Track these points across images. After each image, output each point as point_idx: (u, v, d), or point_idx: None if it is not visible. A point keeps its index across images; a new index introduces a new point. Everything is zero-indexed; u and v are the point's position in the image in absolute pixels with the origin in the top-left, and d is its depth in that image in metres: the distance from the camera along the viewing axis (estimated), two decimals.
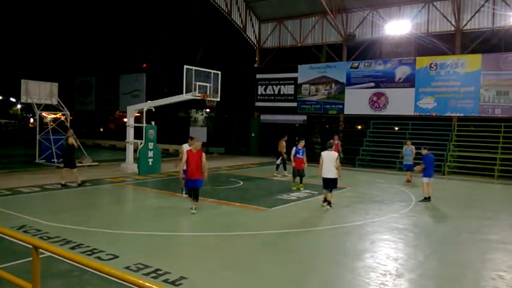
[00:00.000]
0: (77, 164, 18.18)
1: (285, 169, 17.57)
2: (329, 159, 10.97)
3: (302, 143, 14.46)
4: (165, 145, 28.58)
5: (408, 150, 16.80)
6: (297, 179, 14.18)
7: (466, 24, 21.53)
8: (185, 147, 11.59)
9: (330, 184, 11.03)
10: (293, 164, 14.22)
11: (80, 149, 14.51)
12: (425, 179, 12.28)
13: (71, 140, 13.77)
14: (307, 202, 12.25)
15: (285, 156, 17.35)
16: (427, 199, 12.27)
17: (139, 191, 13.92)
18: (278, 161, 17.76)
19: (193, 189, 10.21)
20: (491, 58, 20.57)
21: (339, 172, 10.95)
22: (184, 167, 10.47)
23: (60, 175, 13.67)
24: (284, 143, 17.67)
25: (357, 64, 24.41)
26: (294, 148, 14.34)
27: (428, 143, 20.67)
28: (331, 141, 12.18)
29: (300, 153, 14.19)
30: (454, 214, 11.27)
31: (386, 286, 6.00)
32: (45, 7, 39.54)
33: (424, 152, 12.44)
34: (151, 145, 17.15)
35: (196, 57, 34.55)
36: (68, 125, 20.31)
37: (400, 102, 22.80)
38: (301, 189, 13.96)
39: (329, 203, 11.23)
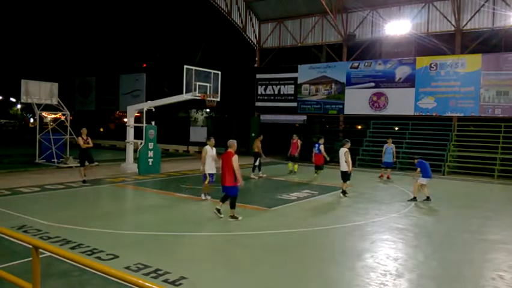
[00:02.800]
0: (77, 164, 18.41)
1: (259, 169, 16.97)
2: (340, 155, 12.82)
3: (322, 140, 16.91)
4: (165, 145, 28.61)
5: (389, 148, 17.43)
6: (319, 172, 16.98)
7: (466, 24, 21.52)
8: (208, 149, 11.54)
9: (341, 176, 12.89)
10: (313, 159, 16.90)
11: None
12: (423, 180, 12.38)
13: (79, 140, 14.27)
14: (308, 202, 12.25)
15: (263, 156, 17.05)
16: (415, 199, 12.43)
17: (139, 191, 13.92)
18: (256, 162, 16.88)
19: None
20: (491, 58, 20.57)
21: (348, 166, 12.60)
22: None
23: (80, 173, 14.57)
24: (259, 143, 17.03)
25: (357, 64, 24.41)
26: (316, 145, 16.88)
27: (428, 143, 20.82)
28: (344, 140, 13.67)
29: (316, 149, 16.65)
30: (454, 214, 11.28)
31: (386, 286, 6.00)
32: (45, 7, 39.54)
33: (415, 161, 12.74)
34: (151, 145, 17.15)
35: (196, 57, 34.56)
36: (68, 124, 20.32)
37: (400, 102, 22.80)
38: (317, 175, 16.77)
39: (343, 192, 12.98)
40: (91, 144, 14.63)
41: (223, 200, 9.85)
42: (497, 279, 6.39)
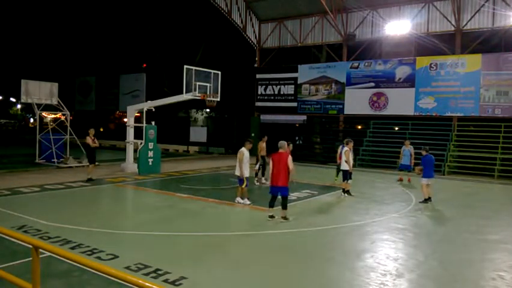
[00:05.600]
0: (77, 164, 18.49)
1: (263, 174, 15.31)
2: (341, 154, 13.10)
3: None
4: (165, 145, 28.61)
5: (406, 150, 16.90)
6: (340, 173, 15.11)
7: (466, 24, 21.53)
8: (246, 152, 11.27)
9: (342, 174, 13.13)
10: (338, 161, 15.23)
11: (97, 149, 15.42)
12: (424, 180, 12.16)
13: (87, 139, 14.78)
14: (307, 202, 12.25)
15: (266, 159, 15.21)
16: (427, 200, 12.16)
17: (139, 191, 13.92)
18: (257, 166, 15.38)
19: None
20: (491, 58, 20.58)
21: (348, 165, 12.75)
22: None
23: (87, 171, 15.07)
24: (264, 145, 15.61)
25: (357, 64, 24.42)
26: (341, 147, 14.71)
27: (428, 143, 20.71)
28: (345, 140, 13.63)
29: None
30: (454, 214, 11.27)
31: (386, 286, 6.00)
32: (45, 7, 39.54)
33: (424, 153, 12.32)
34: (151, 145, 17.15)
35: (196, 57, 34.57)
36: (68, 124, 20.32)
37: (400, 102, 22.81)
38: (336, 181, 15.51)
39: (343, 190, 13.05)
40: (97, 144, 15.19)
41: (272, 205, 9.75)
42: (497, 279, 6.39)
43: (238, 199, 11.45)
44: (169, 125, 32.87)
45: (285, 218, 9.55)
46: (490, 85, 20.39)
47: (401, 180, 16.86)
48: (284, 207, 9.58)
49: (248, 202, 11.29)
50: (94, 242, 7.50)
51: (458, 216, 11.05)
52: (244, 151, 11.34)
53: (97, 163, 15.70)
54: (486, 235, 9.13)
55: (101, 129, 41.73)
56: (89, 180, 14.62)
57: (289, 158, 9.44)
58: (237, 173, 11.32)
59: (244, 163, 11.19)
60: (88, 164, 15.09)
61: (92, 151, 14.90)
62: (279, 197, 9.71)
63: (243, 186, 11.29)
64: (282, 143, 9.75)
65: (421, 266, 6.95)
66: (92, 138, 14.84)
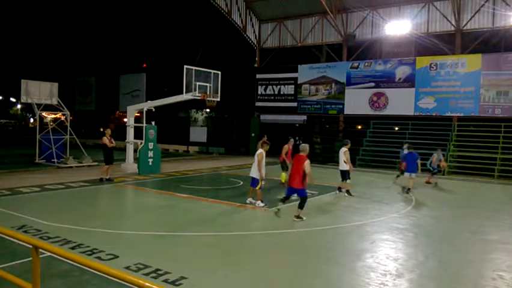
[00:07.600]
0: (77, 164, 18.52)
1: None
2: (339, 154, 13.12)
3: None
4: (165, 145, 28.61)
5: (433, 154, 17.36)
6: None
7: (466, 24, 21.54)
8: (264, 153, 11.18)
9: (341, 174, 13.10)
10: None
11: (110, 149, 15.28)
12: (407, 174, 13.80)
13: (104, 140, 14.89)
14: (307, 202, 12.21)
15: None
16: (405, 189, 13.73)
17: (139, 191, 13.92)
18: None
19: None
20: (491, 58, 20.58)
21: (348, 165, 12.82)
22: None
23: (101, 171, 15.23)
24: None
25: (357, 64, 24.42)
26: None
27: (428, 143, 20.80)
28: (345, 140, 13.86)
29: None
30: (454, 214, 11.28)
31: (386, 286, 6.00)
32: (45, 7, 39.54)
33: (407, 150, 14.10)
34: (151, 145, 17.15)
35: (196, 57, 34.57)
36: (68, 124, 20.32)
37: (400, 102, 22.81)
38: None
39: (340, 189, 13.27)
40: (114, 144, 15.29)
41: (284, 201, 10.13)
42: (497, 279, 6.39)
43: (259, 202, 11.15)
44: (169, 125, 32.87)
45: (298, 217, 9.65)
46: (490, 85, 20.39)
47: (428, 182, 16.35)
48: (300, 206, 9.72)
49: (262, 204, 11.11)
50: (94, 242, 7.50)
51: (458, 216, 11.06)
52: (263, 153, 11.28)
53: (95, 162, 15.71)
54: (486, 235, 9.13)
55: (101, 129, 41.71)
56: (103, 180, 14.70)
57: (307, 161, 9.52)
58: (254, 174, 11.19)
59: (262, 165, 11.14)
60: (104, 164, 15.13)
61: (109, 151, 14.92)
62: (293, 197, 10.16)
63: (257, 188, 11.21)
64: (303, 146, 9.92)
65: (421, 266, 6.95)
66: (109, 138, 14.90)
